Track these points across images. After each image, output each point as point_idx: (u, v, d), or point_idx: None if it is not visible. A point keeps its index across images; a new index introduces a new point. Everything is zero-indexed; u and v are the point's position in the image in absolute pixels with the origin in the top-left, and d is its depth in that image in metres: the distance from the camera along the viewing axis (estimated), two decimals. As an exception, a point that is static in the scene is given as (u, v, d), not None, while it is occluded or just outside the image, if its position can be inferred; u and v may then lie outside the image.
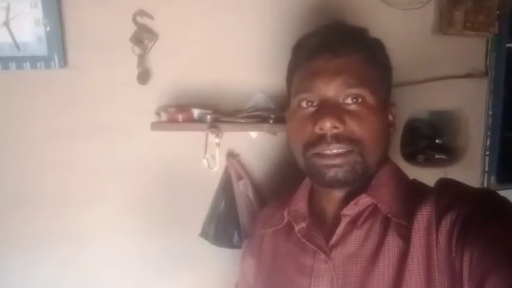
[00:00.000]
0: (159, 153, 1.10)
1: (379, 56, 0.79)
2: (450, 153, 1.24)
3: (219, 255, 1.12)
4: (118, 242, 1.11)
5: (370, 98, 0.72)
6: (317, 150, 0.71)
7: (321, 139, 0.70)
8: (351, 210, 0.72)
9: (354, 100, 0.71)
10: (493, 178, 1.22)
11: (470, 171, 1.22)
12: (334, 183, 0.72)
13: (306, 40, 0.80)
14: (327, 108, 0.70)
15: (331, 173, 0.71)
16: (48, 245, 1.10)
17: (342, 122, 0.69)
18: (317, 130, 0.70)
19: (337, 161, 0.70)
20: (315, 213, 0.80)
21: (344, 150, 0.70)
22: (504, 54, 1.16)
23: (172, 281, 1.15)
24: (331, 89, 0.71)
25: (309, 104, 0.73)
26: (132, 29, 1.02)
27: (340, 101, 0.71)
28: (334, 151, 0.70)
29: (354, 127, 0.70)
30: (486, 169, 1.22)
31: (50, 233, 1.10)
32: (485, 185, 1.22)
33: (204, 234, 1.11)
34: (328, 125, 0.69)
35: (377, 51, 0.79)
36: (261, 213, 0.96)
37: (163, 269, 1.14)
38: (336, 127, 0.69)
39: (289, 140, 0.80)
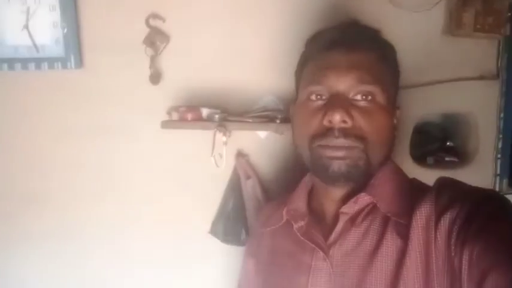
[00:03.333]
0: (170, 152, 1.12)
1: (392, 58, 0.80)
2: (461, 155, 1.23)
3: (228, 252, 1.13)
4: (126, 239, 1.14)
5: (380, 97, 0.72)
6: (323, 142, 0.71)
7: (328, 132, 0.70)
8: (350, 208, 0.72)
9: (364, 97, 0.71)
10: (505, 181, 1.19)
11: (481, 174, 1.20)
12: (337, 177, 0.71)
13: (321, 34, 0.80)
14: (337, 101, 0.70)
15: (335, 166, 0.70)
16: (59, 242, 1.13)
17: (351, 117, 0.69)
18: (325, 122, 0.70)
19: (341, 153, 0.70)
20: (314, 211, 0.80)
21: (349, 145, 0.70)
22: (516, 55, 1.15)
23: (182, 277, 1.16)
24: (343, 84, 0.71)
25: (318, 97, 0.73)
26: (144, 31, 1.05)
27: (351, 96, 0.71)
28: (340, 145, 0.70)
29: (361, 124, 0.70)
30: (498, 172, 1.20)
31: (61, 230, 1.13)
32: (497, 189, 1.20)
33: (213, 231, 1.13)
34: (337, 118, 0.68)
35: (390, 53, 0.79)
36: (260, 212, 0.97)
37: (173, 266, 1.15)
38: (344, 121, 0.69)
39: (295, 133, 0.80)
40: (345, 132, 0.69)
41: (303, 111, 0.76)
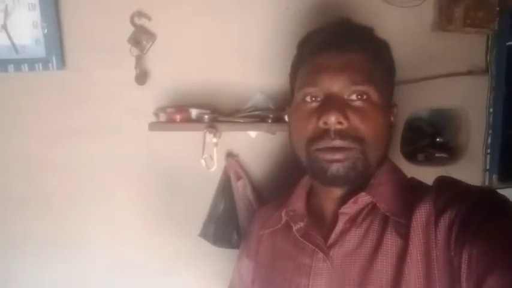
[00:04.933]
0: (158, 154, 1.10)
1: (385, 56, 0.79)
2: (451, 151, 1.23)
3: (218, 255, 1.12)
4: (117, 243, 1.12)
5: (374, 96, 0.72)
6: (320, 145, 0.70)
7: (324, 134, 0.70)
8: (349, 208, 0.72)
9: (359, 97, 0.71)
10: (494, 176, 1.20)
11: (471, 169, 1.21)
12: (335, 180, 0.71)
13: (313, 36, 0.80)
14: (332, 103, 0.70)
15: (333, 168, 0.70)
16: (50, 246, 1.11)
17: (346, 117, 0.69)
18: (321, 124, 0.70)
19: (339, 155, 0.69)
20: (313, 212, 0.79)
21: (346, 147, 0.69)
22: (505, 51, 1.15)
23: (171, 281, 1.15)
24: (337, 85, 0.71)
25: (313, 99, 0.73)
26: (129, 30, 1.02)
27: (345, 97, 0.71)
28: (337, 146, 0.69)
29: (357, 124, 0.70)
30: (488, 167, 1.21)
31: (51, 234, 1.10)
32: (487, 184, 1.21)
33: (203, 234, 1.11)
34: (332, 120, 0.68)
35: (383, 51, 0.79)
36: (257, 214, 0.96)
37: (162, 268, 1.14)
38: (340, 122, 0.68)
39: (291, 135, 0.80)
40: (341, 134, 0.69)
41: (298, 114, 0.76)
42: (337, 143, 0.69)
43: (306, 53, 0.78)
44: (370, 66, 0.74)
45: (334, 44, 0.74)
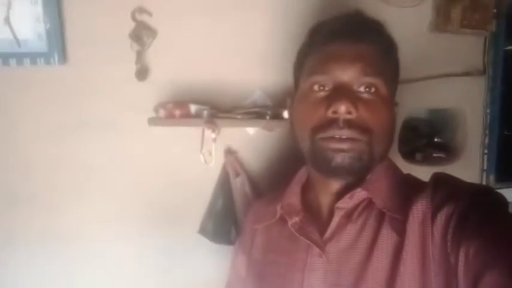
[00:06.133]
0: (158, 150, 1.10)
1: (394, 53, 0.79)
2: (449, 151, 1.24)
3: (217, 252, 1.12)
4: (115, 239, 1.11)
5: (383, 89, 0.71)
6: (327, 134, 0.69)
7: (332, 123, 0.69)
8: (345, 203, 0.71)
9: (368, 89, 0.71)
10: (491, 177, 1.21)
11: (469, 169, 1.21)
12: (339, 170, 0.70)
13: (325, 25, 0.79)
14: (342, 92, 0.69)
15: (338, 158, 0.69)
16: (43, 243, 1.10)
17: (356, 108, 0.68)
18: (330, 114, 0.69)
19: (345, 145, 0.68)
20: (309, 207, 0.78)
21: (353, 137, 0.68)
22: (502, 52, 1.16)
23: (170, 277, 1.14)
24: (348, 75, 0.70)
25: (321, 88, 0.72)
26: (131, 25, 1.03)
27: (355, 87, 0.71)
28: (344, 137, 0.68)
29: (366, 115, 0.69)
30: (485, 167, 1.21)
31: (47, 231, 1.10)
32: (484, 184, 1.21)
33: (202, 231, 1.11)
34: (343, 109, 0.67)
35: (393, 48, 0.79)
36: (252, 208, 0.95)
37: (160, 265, 1.13)
38: (349, 112, 0.68)
39: (295, 124, 0.78)
40: (350, 124, 0.68)
41: (304, 102, 0.75)
42: (345, 132, 0.68)
43: (317, 41, 0.77)
44: (382, 59, 0.73)
45: (347, 33, 0.73)
